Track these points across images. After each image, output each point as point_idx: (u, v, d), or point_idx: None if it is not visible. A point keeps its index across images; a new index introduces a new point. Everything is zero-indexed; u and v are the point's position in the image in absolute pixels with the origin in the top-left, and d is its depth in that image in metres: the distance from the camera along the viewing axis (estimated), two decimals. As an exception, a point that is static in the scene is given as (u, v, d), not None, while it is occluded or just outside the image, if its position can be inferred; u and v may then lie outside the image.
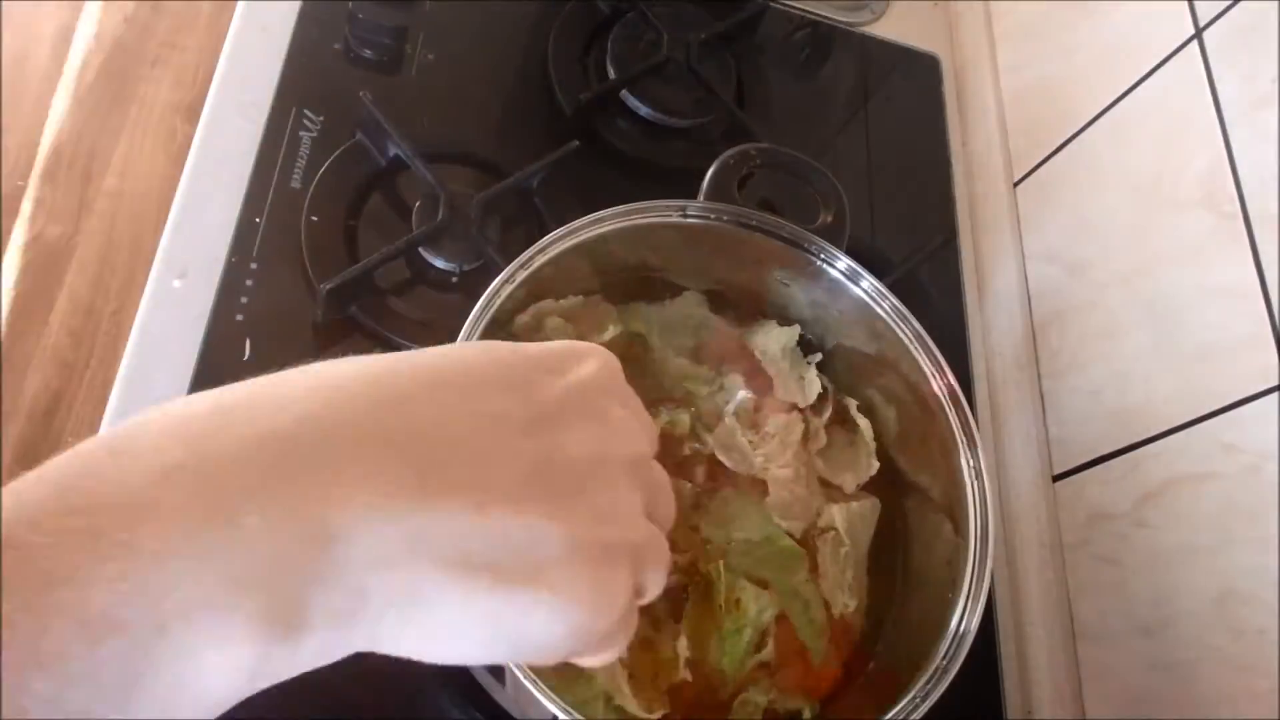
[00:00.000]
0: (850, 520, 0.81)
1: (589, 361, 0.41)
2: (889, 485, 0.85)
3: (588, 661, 0.39)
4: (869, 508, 0.83)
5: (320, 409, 0.32)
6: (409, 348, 0.83)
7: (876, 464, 0.85)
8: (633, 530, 0.37)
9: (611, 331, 0.83)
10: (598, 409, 0.39)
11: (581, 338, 0.81)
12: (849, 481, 0.84)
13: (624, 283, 0.85)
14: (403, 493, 0.31)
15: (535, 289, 0.76)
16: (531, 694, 0.59)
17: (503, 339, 0.70)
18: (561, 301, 0.81)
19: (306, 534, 0.29)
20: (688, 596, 0.75)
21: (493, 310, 0.70)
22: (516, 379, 0.37)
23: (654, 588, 0.39)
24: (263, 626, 0.28)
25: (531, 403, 0.37)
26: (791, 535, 0.79)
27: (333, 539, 0.29)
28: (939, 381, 0.79)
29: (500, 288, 0.71)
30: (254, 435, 0.30)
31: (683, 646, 0.73)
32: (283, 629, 0.28)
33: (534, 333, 0.80)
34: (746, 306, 0.89)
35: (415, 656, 0.32)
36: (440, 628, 0.32)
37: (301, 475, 0.30)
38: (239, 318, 0.81)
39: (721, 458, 0.81)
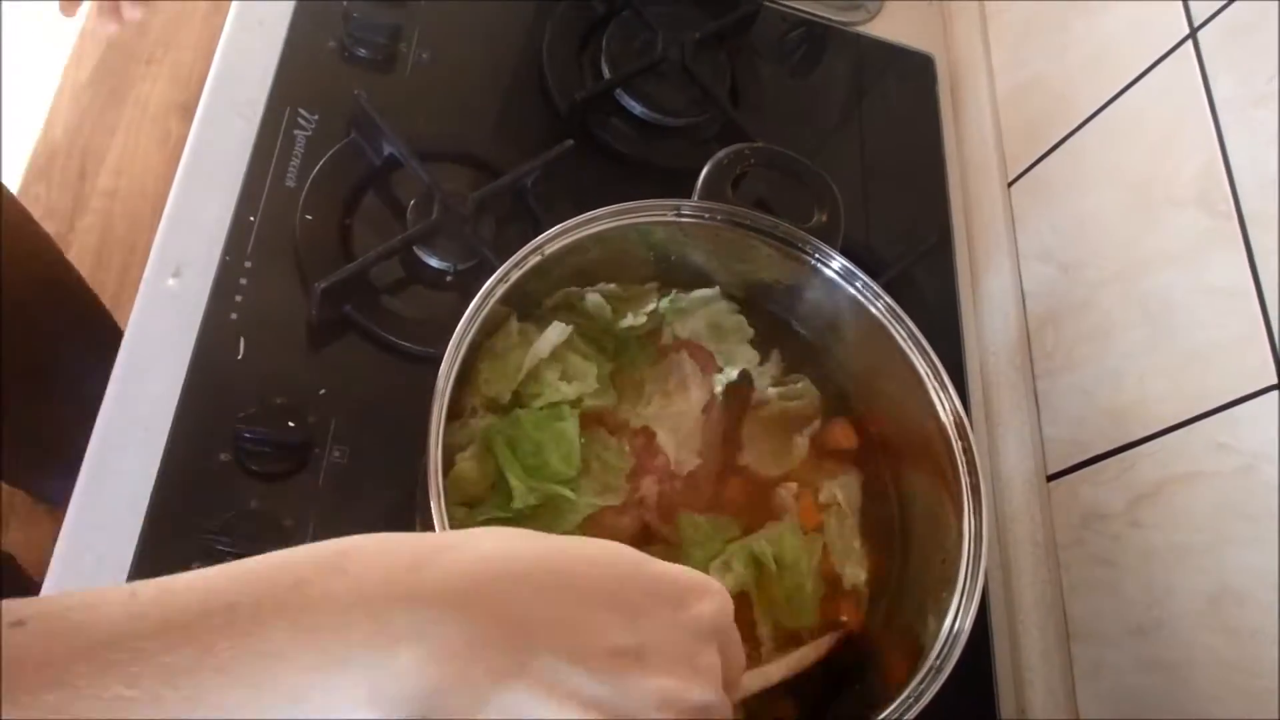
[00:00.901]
0: (847, 492, 0.83)
1: (707, 601, 0.48)
2: (887, 484, 0.85)
3: None
4: (854, 480, 0.85)
5: (478, 580, 0.42)
6: (404, 346, 0.83)
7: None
8: None
9: (645, 311, 0.84)
10: (692, 653, 0.46)
11: (617, 315, 0.83)
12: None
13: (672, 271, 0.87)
14: (507, 672, 0.40)
15: (584, 268, 0.80)
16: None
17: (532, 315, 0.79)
18: (597, 287, 0.83)
19: (438, 681, 0.40)
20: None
21: (486, 310, 0.70)
22: (634, 599, 0.45)
23: None
24: None
25: (632, 629, 0.44)
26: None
27: (448, 691, 0.40)
28: (932, 381, 0.79)
29: (494, 287, 0.71)
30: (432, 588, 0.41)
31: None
32: None
33: (566, 311, 0.82)
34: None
35: None
36: None
37: (461, 636, 0.40)
38: (233, 316, 0.81)
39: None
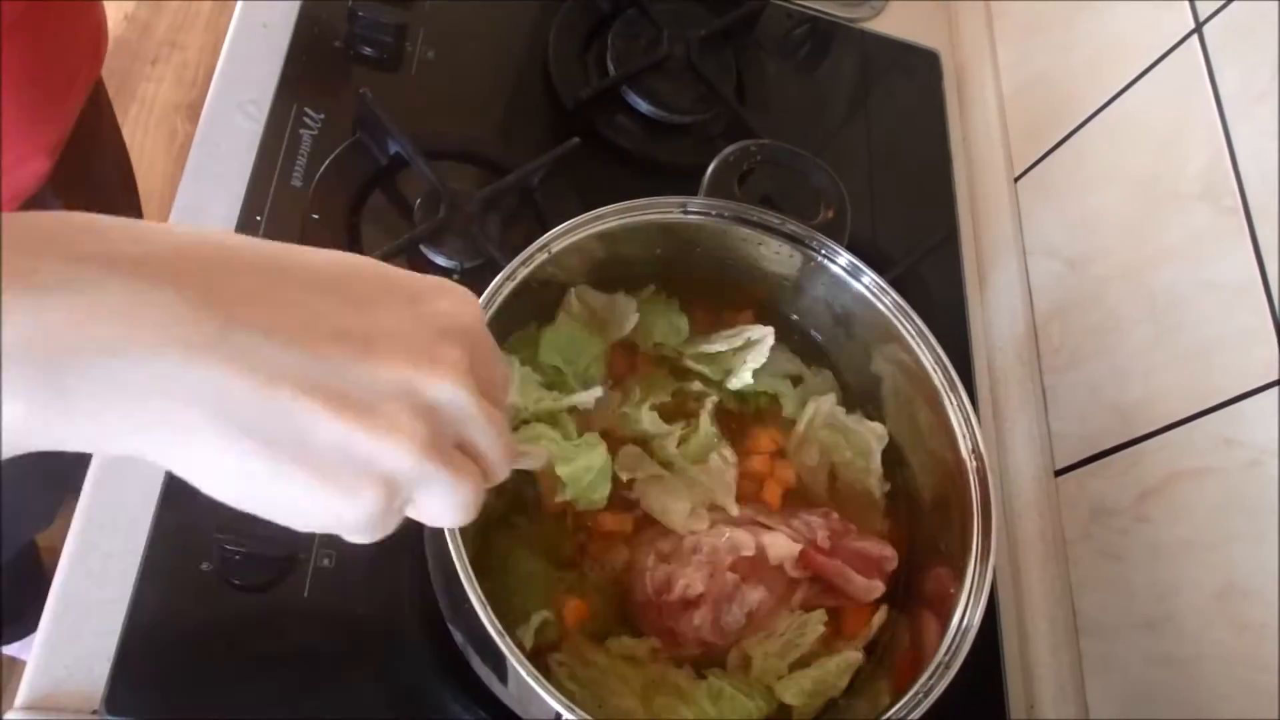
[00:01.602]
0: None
1: (450, 299, 0.43)
2: (894, 480, 0.85)
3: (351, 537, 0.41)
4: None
5: (185, 254, 0.36)
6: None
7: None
8: (403, 462, 0.38)
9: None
10: (430, 344, 0.40)
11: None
12: None
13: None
14: (199, 343, 0.34)
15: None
16: (534, 691, 0.59)
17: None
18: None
19: (101, 338, 0.33)
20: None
21: (494, 308, 0.70)
22: (362, 290, 0.40)
23: (431, 508, 0.41)
24: (31, 386, 0.32)
25: (358, 314, 0.39)
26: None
27: (115, 351, 0.33)
28: (940, 377, 0.79)
29: (501, 285, 0.71)
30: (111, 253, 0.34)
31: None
32: (47, 396, 0.32)
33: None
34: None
35: (183, 477, 0.36)
36: (201, 466, 0.36)
37: (133, 298, 0.33)
38: (240, 316, 0.81)
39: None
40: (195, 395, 0.34)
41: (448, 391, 0.40)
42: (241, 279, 0.37)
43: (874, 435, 0.84)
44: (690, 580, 0.72)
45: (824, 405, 0.84)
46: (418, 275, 0.43)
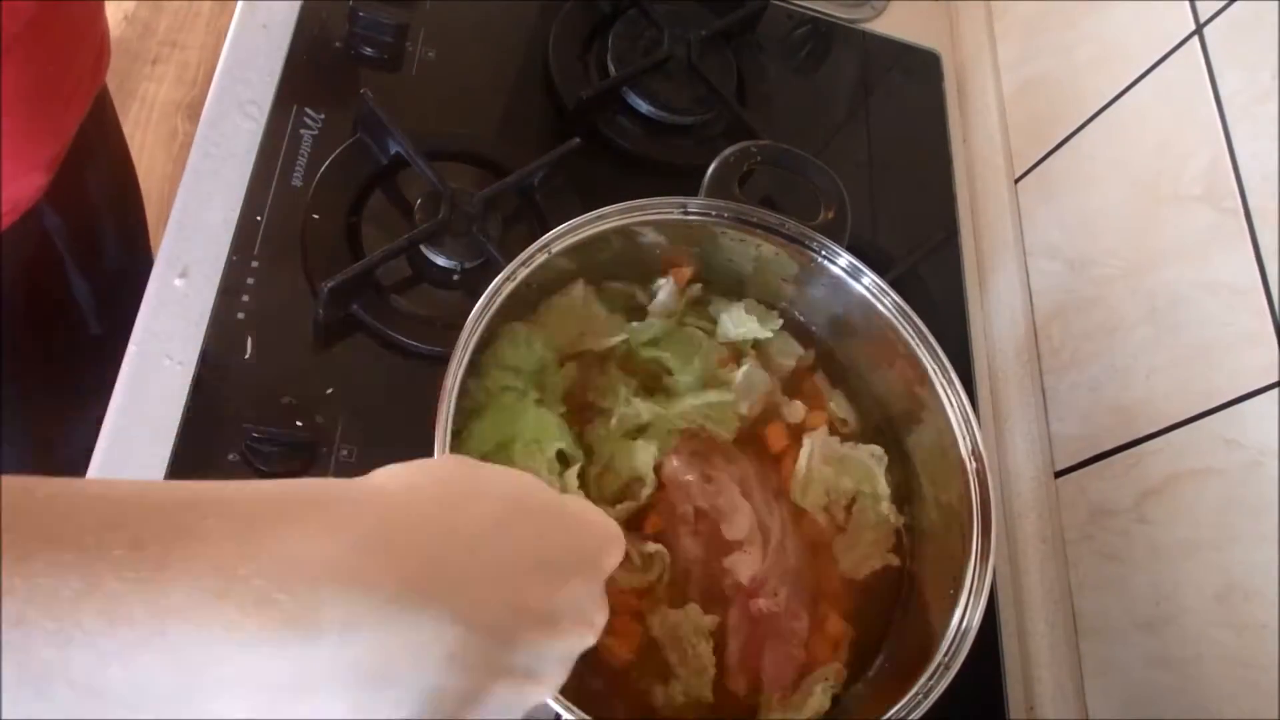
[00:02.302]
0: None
1: (615, 554, 0.46)
2: (895, 481, 0.85)
3: None
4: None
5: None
6: (411, 345, 0.83)
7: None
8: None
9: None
10: (594, 612, 0.44)
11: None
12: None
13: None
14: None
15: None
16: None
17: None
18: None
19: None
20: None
21: (494, 308, 0.70)
22: (554, 557, 0.43)
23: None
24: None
25: (552, 593, 0.42)
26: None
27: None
28: (940, 378, 0.79)
29: (501, 285, 0.71)
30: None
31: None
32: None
33: None
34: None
35: None
36: None
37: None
38: (240, 316, 0.81)
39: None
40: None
41: (590, 642, 0.44)
42: (458, 561, 0.38)
43: (873, 458, 0.84)
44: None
45: (818, 439, 0.83)
46: (592, 519, 0.47)
